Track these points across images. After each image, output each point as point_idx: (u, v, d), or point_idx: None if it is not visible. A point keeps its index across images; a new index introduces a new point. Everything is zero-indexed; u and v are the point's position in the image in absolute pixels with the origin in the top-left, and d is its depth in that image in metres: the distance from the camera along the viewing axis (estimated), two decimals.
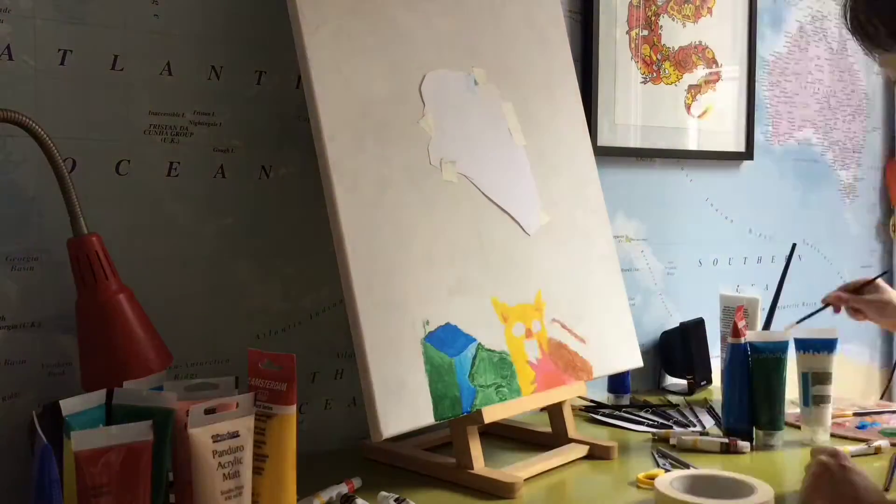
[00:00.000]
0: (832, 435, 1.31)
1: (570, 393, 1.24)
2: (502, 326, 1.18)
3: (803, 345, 1.31)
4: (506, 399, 1.14)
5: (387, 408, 1.01)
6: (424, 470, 1.14)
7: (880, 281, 1.45)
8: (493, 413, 1.11)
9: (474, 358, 1.12)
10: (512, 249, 1.23)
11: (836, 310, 1.47)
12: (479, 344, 1.14)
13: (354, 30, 1.13)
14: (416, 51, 1.20)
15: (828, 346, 1.30)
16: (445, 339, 1.10)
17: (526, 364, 1.19)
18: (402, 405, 1.03)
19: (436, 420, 1.05)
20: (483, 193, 1.22)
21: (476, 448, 1.11)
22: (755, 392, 1.28)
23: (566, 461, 1.19)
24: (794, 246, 1.58)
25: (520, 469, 1.13)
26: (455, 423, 1.11)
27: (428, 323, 1.09)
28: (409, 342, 1.07)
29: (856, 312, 1.45)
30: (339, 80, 1.10)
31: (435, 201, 1.16)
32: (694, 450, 1.25)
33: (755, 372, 1.28)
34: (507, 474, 1.09)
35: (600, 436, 1.32)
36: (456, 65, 1.25)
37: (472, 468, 1.10)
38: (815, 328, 1.34)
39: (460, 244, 1.17)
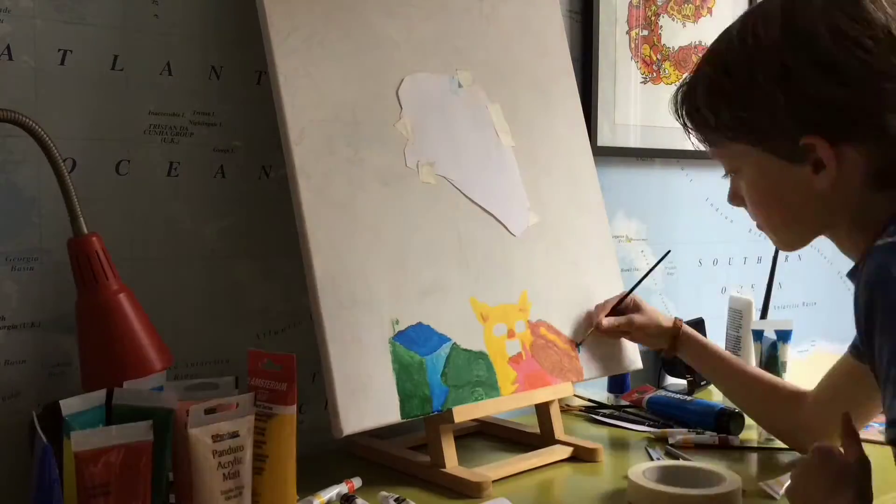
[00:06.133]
0: None
1: (556, 394, 1.24)
2: (481, 326, 1.18)
3: (759, 336, 1.30)
4: (482, 399, 1.14)
5: (347, 405, 1.01)
6: (404, 468, 1.15)
7: (636, 297, 1.32)
8: (464, 412, 1.11)
9: (448, 357, 1.12)
10: (494, 250, 1.23)
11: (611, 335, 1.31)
12: (455, 343, 1.14)
13: (327, 37, 1.13)
14: (395, 56, 1.20)
15: (783, 336, 1.28)
16: (417, 339, 1.10)
17: (507, 364, 1.19)
18: (366, 403, 1.03)
19: (402, 418, 1.06)
20: (464, 195, 1.22)
21: (449, 447, 1.11)
22: None
23: (545, 462, 1.19)
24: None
25: (494, 469, 1.13)
26: (428, 422, 1.11)
27: (398, 322, 1.09)
28: (376, 341, 1.07)
29: (624, 334, 1.32)
30: (309, 84, 1.09)
31: (410, 203, 1.15)
32: (690, 448, 1.25)
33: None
34: (476, 474, 1.09)
35: (599, 436, 1.32)
36: (439, 68, 1.25)
37: (445, 467, 1.10)
38: (773, 321, 1.33)
39: (436, 245, 1.17)
